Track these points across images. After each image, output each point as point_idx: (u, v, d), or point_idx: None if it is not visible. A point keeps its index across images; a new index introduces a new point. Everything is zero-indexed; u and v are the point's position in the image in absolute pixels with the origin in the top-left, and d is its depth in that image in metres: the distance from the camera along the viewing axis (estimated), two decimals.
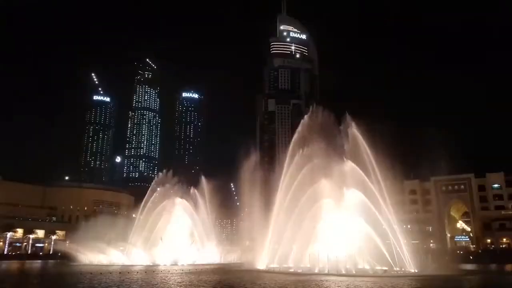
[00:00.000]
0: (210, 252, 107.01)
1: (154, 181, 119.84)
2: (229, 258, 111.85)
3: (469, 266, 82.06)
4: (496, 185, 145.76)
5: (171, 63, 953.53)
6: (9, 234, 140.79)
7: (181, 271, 68.77)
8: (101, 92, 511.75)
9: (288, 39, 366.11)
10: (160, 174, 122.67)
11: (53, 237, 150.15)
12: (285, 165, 74.43)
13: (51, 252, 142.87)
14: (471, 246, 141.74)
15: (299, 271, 65.23)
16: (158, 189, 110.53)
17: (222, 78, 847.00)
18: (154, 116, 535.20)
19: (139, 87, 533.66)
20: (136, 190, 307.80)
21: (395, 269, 61.32)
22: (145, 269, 73.81)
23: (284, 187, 72.17)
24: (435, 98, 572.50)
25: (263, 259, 73.78)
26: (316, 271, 62.57)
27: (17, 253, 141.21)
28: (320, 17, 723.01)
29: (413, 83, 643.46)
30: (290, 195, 69.54)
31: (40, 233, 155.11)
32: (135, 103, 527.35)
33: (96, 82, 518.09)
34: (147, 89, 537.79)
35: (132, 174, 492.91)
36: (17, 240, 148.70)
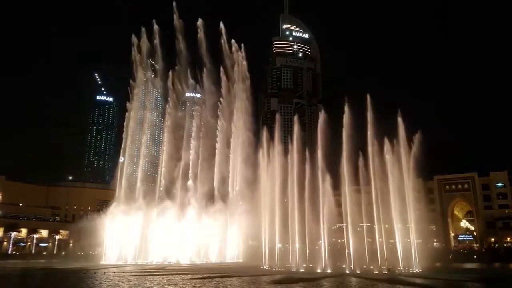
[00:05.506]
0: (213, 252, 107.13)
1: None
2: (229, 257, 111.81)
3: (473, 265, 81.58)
4: (499, 184, 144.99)
5: (172, 63, 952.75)
6: (13, 234, 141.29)
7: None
8: (104, 92, 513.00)
9: (290, 38, 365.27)
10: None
11: (57, 237, 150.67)
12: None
13: (55, 252, 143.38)
14: (475, 245, 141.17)
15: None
16: (161, 188, 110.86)
17: None
18: (157, 116, 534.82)
19: (142, 86, 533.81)
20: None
21: None
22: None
23: None
24: (435, 98, 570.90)
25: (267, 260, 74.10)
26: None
27: (21, 252, 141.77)
28: (322, 16, 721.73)
29: (413, 82, 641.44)
30: None
31: (44, 232, 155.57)
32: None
33: (99, 82, 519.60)
34: (150, 89, 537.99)
35: (135, 174, 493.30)
36: (21, 240, 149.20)
